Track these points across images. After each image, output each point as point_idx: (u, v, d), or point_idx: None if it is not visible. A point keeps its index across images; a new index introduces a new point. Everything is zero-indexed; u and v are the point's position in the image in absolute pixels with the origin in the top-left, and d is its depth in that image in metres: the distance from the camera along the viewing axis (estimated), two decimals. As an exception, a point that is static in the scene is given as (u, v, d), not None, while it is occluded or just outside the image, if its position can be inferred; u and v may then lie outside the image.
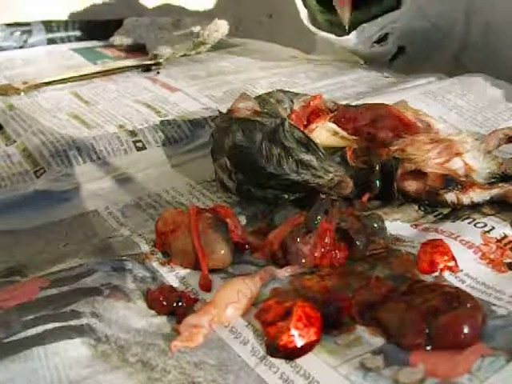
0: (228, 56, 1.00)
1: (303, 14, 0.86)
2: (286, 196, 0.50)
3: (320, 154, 0.49)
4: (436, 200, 0.48)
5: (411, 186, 0.48)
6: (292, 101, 0.56)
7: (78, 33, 1.13)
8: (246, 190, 0.51)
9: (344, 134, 0.53)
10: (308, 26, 0.86)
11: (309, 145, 0.49)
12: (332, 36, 0.84)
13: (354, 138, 0.52)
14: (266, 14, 1.40)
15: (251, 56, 1.00)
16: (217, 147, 0.53)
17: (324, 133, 0.53)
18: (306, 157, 0.48)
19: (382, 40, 0.82)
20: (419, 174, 0.48)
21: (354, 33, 0.81)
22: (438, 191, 0.47)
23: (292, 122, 0.51)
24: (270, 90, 0.59)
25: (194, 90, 0.81)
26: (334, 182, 0.48)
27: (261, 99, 0.56)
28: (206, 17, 1.29)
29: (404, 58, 0.85)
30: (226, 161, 0.52)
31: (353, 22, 0.80)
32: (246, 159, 0.51)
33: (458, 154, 0.49)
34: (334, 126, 0.53)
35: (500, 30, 0.47)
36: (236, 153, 0.51)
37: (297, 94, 0.58)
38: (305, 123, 0.56)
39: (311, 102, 0.56)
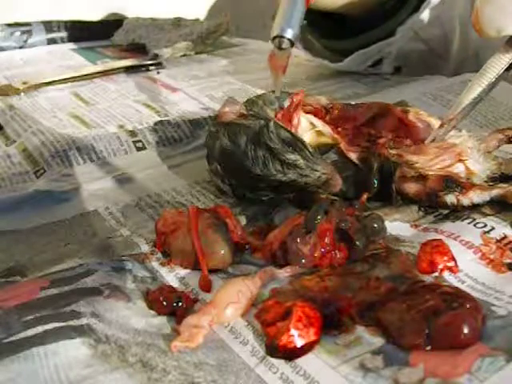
0: (228, 56, 1.00)
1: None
2: (280, 197, 0.49)
3: (307, 152, 0.49)
4: (436, 202, 0.48)
5: (411, 188, 0.48)
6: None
7: (77, 33, 1.13)
8: (240, 194, 0.51)
9: (322, 128, 0.52)
10: (303, 51, 0.85)
11: (295, 144, 0.49)
12: (326, 61, 0.83)
13: (331, 133, 0.52)
14: (266, 15, 1.39)
15: (251, 56, 1.00)
16: (208, 152, 0.54)
17: (305, 123, 0.53)
18: (292, 156, 0.48)
19: (376, 63, 0.82)
20: (419, 176, 0.48)
21: (348, 59, 0.80)
22: (437, 193, 0.47)
23: (279, 122, 0.51)
24: (264, 92, 0.59)
25: (194, 90, 0.81)
26: (322, 181, 0.48)
27: (249, 102, 0.56)
28: (206, 17, 1.29)
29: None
30: (216, 166, 0.52)
31: (348, 49, 0.80)
32: (233, 163, 0.51)
33: (461, 161, 0.49)
34: (313, 119, 0.53)
35: (494, 50, 0.49)
36: (224, 157, 0.51)
37: (290, 94, 0.58)
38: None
39: (294, 99, 0.55)
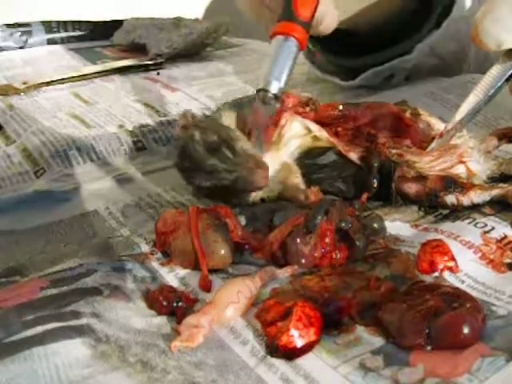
0: (228, 56, 1.00)
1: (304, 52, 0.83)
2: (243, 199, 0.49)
3: (228, 153, 0.48)
4: (436, 202, 0.48)
5: (411, 188, 0.48)
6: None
7: (77, 33, 1.13)
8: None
9: (318, 133, 0.51)
10: (310, 67, 0.83)
11: (220, 146, 0.48)
12: (337, 80, 0.80)
13: (328, 137, 0.51)
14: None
15: (251, 56, 1.00)
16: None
17: (298, 127, 0.51)
18: (211, 162, 0.48)
19: (389, 78, 0.79)
20: (419, 176, 0.48)
21: (361, 77, 0.77)
22: (438, 193, 0.47)
23: (209, 126, 0.50)
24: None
25: (194, 90, 0.82)
26: (242, 181, 0.47)
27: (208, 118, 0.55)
28: (206, 17, 1.29)
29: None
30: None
31: (362, 66, 0.77)
32: (185, 179, 0.52)
33: (462, 162, 0.49)
34: (309, 124, 0.52)
35: None
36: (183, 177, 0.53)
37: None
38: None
39: (285, 102, 0.53)
